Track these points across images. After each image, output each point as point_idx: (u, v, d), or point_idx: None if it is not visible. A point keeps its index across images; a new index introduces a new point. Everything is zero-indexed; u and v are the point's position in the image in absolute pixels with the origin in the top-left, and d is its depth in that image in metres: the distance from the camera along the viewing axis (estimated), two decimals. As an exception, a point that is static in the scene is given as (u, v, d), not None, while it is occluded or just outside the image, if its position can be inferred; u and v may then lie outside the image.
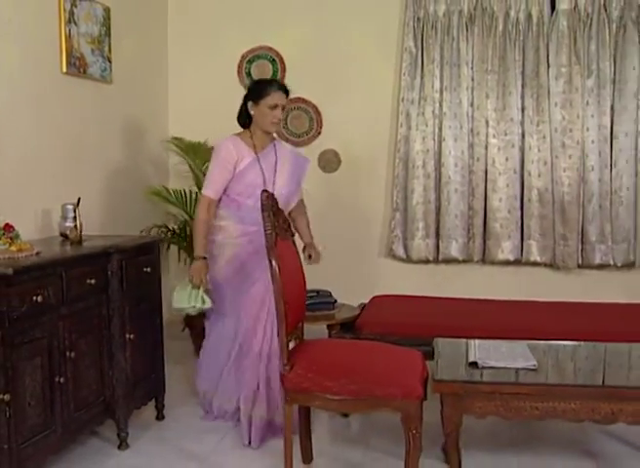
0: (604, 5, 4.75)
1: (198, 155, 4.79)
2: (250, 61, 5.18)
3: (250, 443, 3.47)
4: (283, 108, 3.66)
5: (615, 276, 4.93)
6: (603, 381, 2.93)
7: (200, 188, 4.82)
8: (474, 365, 2.91)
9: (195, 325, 4.89)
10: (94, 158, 4.31)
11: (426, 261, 5.09)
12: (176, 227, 4.92)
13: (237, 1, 5.19)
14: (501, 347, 3.11)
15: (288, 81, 5.05)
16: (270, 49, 5.15)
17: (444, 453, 3.26)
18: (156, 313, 3.72)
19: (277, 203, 3.02)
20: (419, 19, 4.89)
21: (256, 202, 3.37)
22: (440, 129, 4.95)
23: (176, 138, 4.97)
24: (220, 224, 3.64)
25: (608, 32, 4.74)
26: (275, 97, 3.59)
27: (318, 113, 5.15)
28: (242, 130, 3.73)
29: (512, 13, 4.81)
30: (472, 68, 4.89)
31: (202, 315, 3.84)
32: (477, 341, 3.19)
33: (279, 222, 3.00)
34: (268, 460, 3.32)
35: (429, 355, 3.15)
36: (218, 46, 5.21)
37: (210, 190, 3.60)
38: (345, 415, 3.83)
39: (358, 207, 5.15)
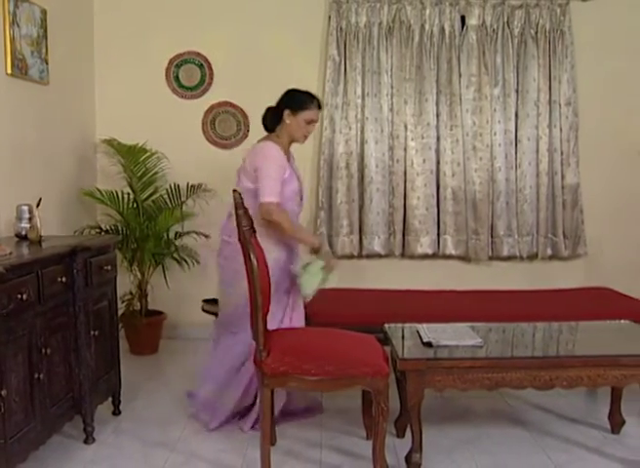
0: (507, 22, 5.23)
1: (134, 158, 4.88)
2: (178, 66, 5.30)
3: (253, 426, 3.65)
4: (316, 123, 3.78)
5: (520, 266, 5.43)
6: (541, 353, 3.36)
7: (133, 189, 4.97)
8: (429, 344, 3.24)
9: (130, 323, 5.01)
10: (33, 159, 4.33)
11: (351, 256, 5.38)
12: (109, 228, 5.00)
13: (164, 6, 5.29)
14: (447, 329, 3.47)
15: (216, 86, 5.32)
16: (198, 54, 5.30)
17: (396, 429, 3.59)
18: (113, 310, 3.84)
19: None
20: (341, 29, 5.19)
21: (293, 207, 3.68)
22: (362, 132, 5.26)
23: (108, 140, 5.02)
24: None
25: (511, 46, 5.24)
26: (313, 114, 3.72)
27: (245, 117, 5.34)
28: (267, 135, 3.79)
29: (427, 26, 5.20)
30: (391, 76, 5.23)
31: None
32: (424, 324, 3.54)
33: (247, 220, 3.22)
34: (236, 443, 3.54)
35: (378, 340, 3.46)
36: (145, 50, 5.29)
37: (274, 197, 3.53)
38: (295, 401, 4.10)
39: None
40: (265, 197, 3.53)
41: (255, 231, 3.24)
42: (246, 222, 3.08)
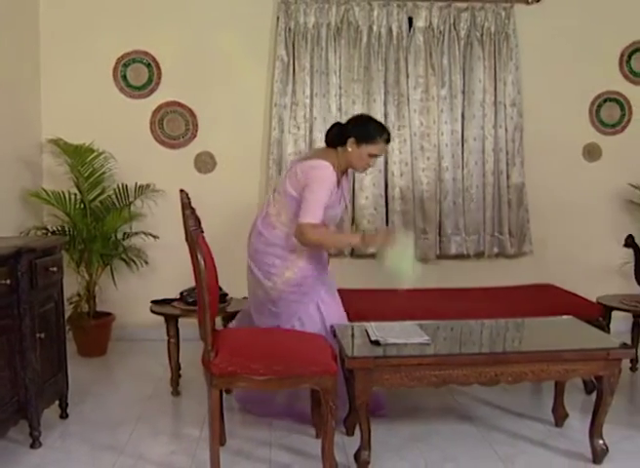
0: (454, 24, 5.31)
1: (81, 158, 4.83)
2: (125, 65, 5.25)
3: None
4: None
5: (468, 264, 5.51)
6: (487, 350, 3.43)
7: (80, 190, 4.92)
8: (376, 343, 3.27)
9: (78, 325, 4.95)
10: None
11: (300, 256, 5.40)
12: (56, 229, 4.93)
13: (112, 4, 5.23)
14: (395, 327, 3.50)
15: (164, 85, 5.29)
16: (146, 53, 5.25)
17: (346, 427, 3.62)
18: (60, 312, 3.79)
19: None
20: (290, 29, 5.20)
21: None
22: (311, 132, 5.27)
23: (54, 140, 4.95)
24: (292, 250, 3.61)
25: (457, 48, 5.32)
26: (380, 149, 3.60)
27: (194, 116, 5.32)
28: (325, 149, 3.68)
29: (375, 27, 5.25)
30: (340, 77, 5.26)
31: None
32: (373, 323, 3.57)
33: (194, 219, 3.21)
34: (185, 444, 3.53)
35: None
36: (92, 49, 5.23)
37: (316, 219, 3.43)
38: (245, 401, 4.10)
39: (234, 206, 5.35)
40: (304, 218, 3.43)
41: (202, 231, 3.24)
42: (193, 223, 3.08)
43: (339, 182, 3.62)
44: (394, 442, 3.56)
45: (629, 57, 5.59)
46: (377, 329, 3.45)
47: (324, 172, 3.49)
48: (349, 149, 3.56)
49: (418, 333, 3.39)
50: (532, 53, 5.44)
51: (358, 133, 3.55)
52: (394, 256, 3.43)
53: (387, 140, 3.63)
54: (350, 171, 3.79)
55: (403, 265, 3.43)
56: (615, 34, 5.54)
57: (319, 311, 3.70)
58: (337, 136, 3.62)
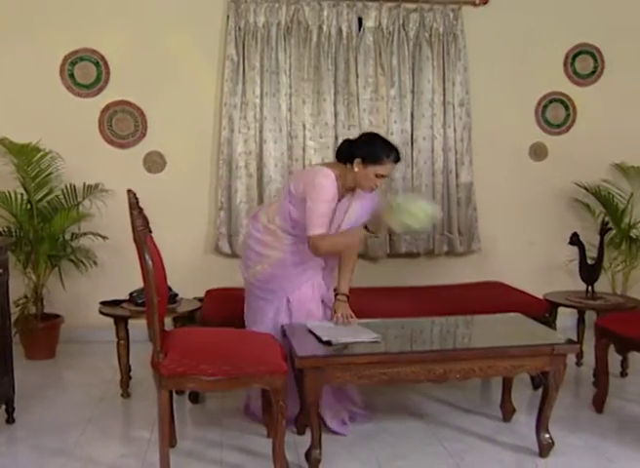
0: (403, 25, 5.35)
1: (27, 157, 4.74)
2: (73, 63, 5.16)
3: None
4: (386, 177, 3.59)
5: (418, 263, 5.56)
6: (436, 347, 3.47)
7: (27, 190, 4.83)
8: (328, 343, 3.27)
9: (25, 327, 4.87)
10: None
11: (250, 256, 5.39)
12: (1, 230, 4.84)
13: (58, 1, 5.13)
14: (340, 327, 3.51)
15: (112, 84, 5.22)
16: (94, 51, 5.17)
17: (297, 426, 3.63)
18: (6, 316, 3.72)
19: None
20: (240, 28, 5.18)
21: None
22: (261, 132, 5.26)
23: (0, 140, 4.86)
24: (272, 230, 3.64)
25: (407, 48, 5.35)
26: (387, 169, 3.53)
27: (143, 116, 5.26)
28: (335, 162, 3.64)
29: (325, 27, 5.25)
30: (290, 76, 5.26)
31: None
32: (315, 322, 3.56)
33: (142, 220, 3.18)
34: (135, 447, 3.50)
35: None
36: (39, 46, 5.11)
37: (322, 229, 3.43)
38: (195, 401, 4.08)
39: (184, 206, 5.33)
40: (311, 231, 3.42)
41: (151, 231, 3.21)
42: (140, 223, 3.05)
43: (341, 197, 3.58)
44: (345, 440, 3.57)
45: (573, 58, 5.70)
46: (321, 329, 3.44)
47: (324, 180, 3.46)
48: (356, 169, 3.50)
49: (365, 332, 3.41)
50: (479, 54, 5.51)
51: (364, 153, 3.50)
52: (402, 214, 3.37)
53: (395, 160, 3.55)
54: (370, 196, 3.65)
55: (413, 217, 3.37)
56: (559, 36, 5.64)
57: (288, 310, 3.69)
58: (345, 153, 3.59)
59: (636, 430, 3.65)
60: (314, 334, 3.39)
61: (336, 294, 3.72)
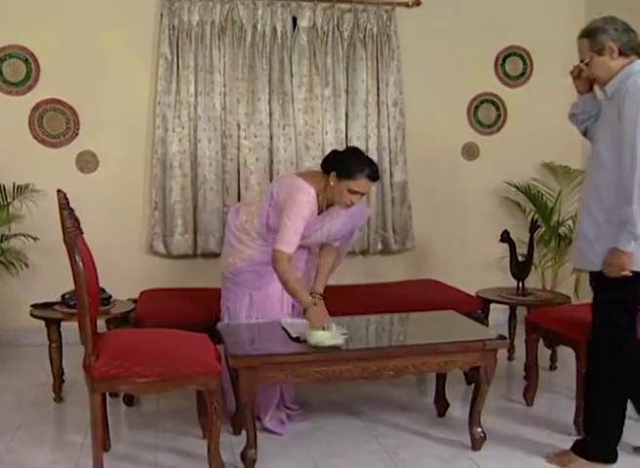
0: (337, 25, 5.38)
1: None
2: (1, 60, 5.03)
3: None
4: (363, 194, 3.51)
5: (354, 261, 5.59)
6: (370, 345, 3.51)
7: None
8: (297, 340, 3.29)
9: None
10: None
11: (186, 256, 5.35)
12: None
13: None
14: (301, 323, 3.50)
15: (43, 82, 5.13)
16: (23, 48, 5.04)
17: (233, 427, 3.62)
18: None
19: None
20: (173, 27, 5.12)
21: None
22: (195, 131, 5.22)
23: None
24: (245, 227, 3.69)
25: (341, 48, 5.38)
26: (360, 185, 3.44)
27: (75, 115, 5.16)
28: (321, 173, 3.57)
29: (259, 26, 5.24)
30: (224, 75, 5.22)
31: None
32: (289, 319, 3.61)
33: (72, 220, 3.14)
34: (68, 452, 3.45)
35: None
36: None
37: (291, 247, 3.41)
38: (130, 404, 4.04)
39: (118, 206, 5.27)
40: (279, 245, 3.40)
41: (82, 232, 3.17)
42: (71, 224, 3.00)
43: (322, 211, 3.58)
44: (281, 439, 3.58)
45: (504, 60, 5.83)
46: (294, 325, 3.47)
47: (305, 197, 3.45)
48: (331, 183, 3.48)
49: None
50: (413, 54, 5.58)
51: (338, 166, 3.46)
52: (317, 337, 3.28)
53: (371, 177, 3.47)
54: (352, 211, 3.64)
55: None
56: (490, 38, 5.75)
57: (250, 307, 3.70)
58: (328, 164, 3.56)
59: (565, 421, 3.75)
60: (285, 331, 3.41)
61: (311, 294, 3.72)
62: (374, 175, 3.49)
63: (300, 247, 3.65)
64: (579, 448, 3.29)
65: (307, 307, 3.35)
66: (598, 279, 3.18)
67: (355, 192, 3.45)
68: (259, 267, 3.59)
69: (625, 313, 3.15)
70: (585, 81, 3.25)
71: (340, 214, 3.62)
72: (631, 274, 3.01)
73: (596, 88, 3.27)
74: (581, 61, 3.15)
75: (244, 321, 3.67)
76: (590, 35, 3.08)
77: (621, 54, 3.04)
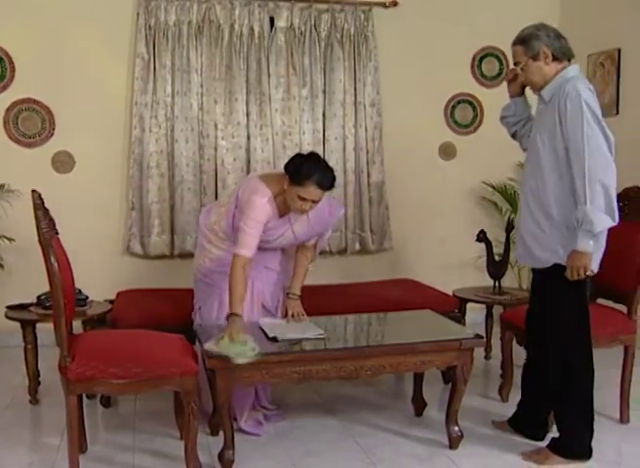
0: (315, 25, 5.39)
1: None
2: (-26, 60, 5.00)
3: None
4: (316, 202, 3.41)
5: (331, 261, 5.60)
6: (348, 345, 3.51)
7: None
8: (274, 339, 3.30)
9: None
10: None
11: (163, 256, 5.33)
12: None
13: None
14: (290, 325, 3.58)
15: (18, 81, 5.09)
16: (-2, 48, 5.02)
17: (210, 427, 3.61)
18: None
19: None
20: (150, 26, 5.10)
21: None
22: (172, 131, 5.21)
23: None
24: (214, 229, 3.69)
25: (318, 49, 5.39)
26: (309, 193, 3.34)
27: (51, 114, 5.12)
28: (283, 175, 3.46)
29: (237, 26, 5.23)
30: (201, 75, 5.21)
31: None
32: (267, 320, 3.62)
33: (47, 221, 3.11)
34: (44, 454, 3.42)
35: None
36: None
37: (248, 251, 3.37)
38: (107, 405, 4.02)
39: (94, 206, 5.23)
40: (236, 249, 3.37)
41: (57, 233, 3.14)
42: (46, 224, 2.98)
43: (283, 214, 3.55)
44: (258, 439, 3.58)
45: (480, 61, 5.87)
46: (272, 326, 3.48)
47: (259, 200, 3.41)
48: (285, 187, 3.42)
49: (311, 329, 3.47)
50: (390, 54, 5.60)
51: (291, 172, 3.40)
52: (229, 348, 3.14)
53: (320, 185, 3.36)
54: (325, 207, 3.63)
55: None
56: (467, 39, 5.79)
57: (220, 307, 3.67)
58: (289, 164, 3.48)
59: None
60: (263, 331, 3.42)
61: (288, 294, 3.78)
62: (324, 182, 3.38)
63: (274, 249, 3.70)
64: (554, 446, 3.34)
65: (230, 317, 3.26)
66: (545, 278, 3.28)
67: (304, 199, 3.37)
68: (227, 268, 3.54)
69: (579, 308, 3.25)
70: (519, 85, 3.39)
71: (305, 218, 3.57)
72: (595, 273, 3.12)
73: (529, 93, 3.40)
74: (515, 65, 3.29)
75: (214, 321, 3.65)
76: (524, 42, 3.20)
77: (555, 59, 3.16)
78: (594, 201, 2.97)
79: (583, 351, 3.26)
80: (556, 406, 3.37)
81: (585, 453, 3.30)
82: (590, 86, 3.12)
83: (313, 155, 3.60)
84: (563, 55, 3.17)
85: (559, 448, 3.32)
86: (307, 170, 3.36)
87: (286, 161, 3.55)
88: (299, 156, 3.60)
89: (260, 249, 3.52)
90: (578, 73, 3.17)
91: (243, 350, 3.04)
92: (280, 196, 3.49)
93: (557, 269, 3.16)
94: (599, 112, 3.04)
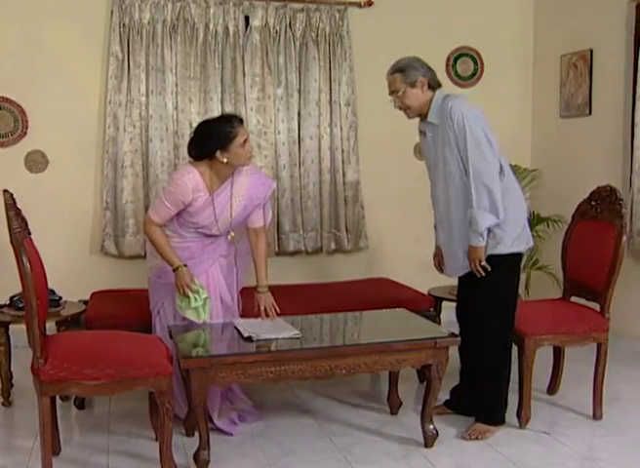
0: (290, 25, 5.38)
1: None
2: (-56, 57, 4.93)
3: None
4: (247, 139, 3.57)
5: (306, 261, 5.61)
6: (323, 344, 3.52)
7: None
8: (249, 339, 3.29)
9: None
10: None
11: (137, 257, 5.27)
12: None
13: None
14: (265, 324, 3.57)
15: (-11, 80, 5.00)
16: (-33, 44, 4.96)
17: (185, 428, 3.60)
18: None
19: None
20: (124, 25, 5.07)
21: (202, 229, 3.61)
22: (147, 130, 5.18)
23: None
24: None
25: (294, 48, 5.39)
26: (242, 133, 3.52)
27: (23, 113, 5.07)
28: (194, 162, 3.59)
29: (211, 25, 5.22)
30: (176, 74, 5.19)
31: None
32: (242, 320, 3.64)
33: (19, 221, 3.09)
34: (17, 457, 3.39)
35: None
36: None
37: (157, 217, 3.56)
38: (81, 407, 3.99)
39: (68, 206, 5.19)
40: (149, 211, 3.67)
41: (30, 233, 3.12)
42: (17, 225, 2.95)
43: (215, 189, 3.60)
44: (234, 439, 3.58)
45: (455, 61, 5.90)
46: (247, 325, 3.48)
47: (179, 178, 3.54)
48: (225, 160, 3.51)
49: (287, 328, 3.46)
50: (365, 54, 5.61)
51: (217, 142, 3.50)
52: (184, 302, 3.54)
53: (240, 121, 3.59)
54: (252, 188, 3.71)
55: (188, 310, 3.54)
56: (441, 39, 5.81)
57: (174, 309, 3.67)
58: (198, 153, 3.59)
59: (511, 413, 3.79)
60: (237, 331, 3.42)
61: (256, 287, 3.78)
62: (236, 118, 3.61)
63: (219, 235, 3.72)
64: (484, 418, 3.66)
65: (176, 269, 3.51)
66: (474, 278, 3.58)
67: (244, 142, 3.52)
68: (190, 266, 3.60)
69: (510, 290, 3.62)
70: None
71: (237, 196, 3.65)
72: (489, 268, 3.49)
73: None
74: (392, 93, 3.67)
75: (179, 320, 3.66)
76: (403, 70, 3.62)
77: (429, 87, 3.57)
78: (480, 202, 3.39)
79: (510, 323, 3.62)
80: (485, 377, 3.64)
81: (504, 417, 3.69)
82: (463, 97, 3.55)
83: (204, 122, 3.73)
84: (435, 83, 3.59)
85: (488, 418, 3.65)
86: (223, 126, 3.53)
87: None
88: (199, 132, 3.63)
89: (212, 236, 3.69)
90: (445, 92, 3.59)
91: (197, 305, 3.45)
92: (209, 171, 3.57)
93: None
94: (481, 116, 3.44)
